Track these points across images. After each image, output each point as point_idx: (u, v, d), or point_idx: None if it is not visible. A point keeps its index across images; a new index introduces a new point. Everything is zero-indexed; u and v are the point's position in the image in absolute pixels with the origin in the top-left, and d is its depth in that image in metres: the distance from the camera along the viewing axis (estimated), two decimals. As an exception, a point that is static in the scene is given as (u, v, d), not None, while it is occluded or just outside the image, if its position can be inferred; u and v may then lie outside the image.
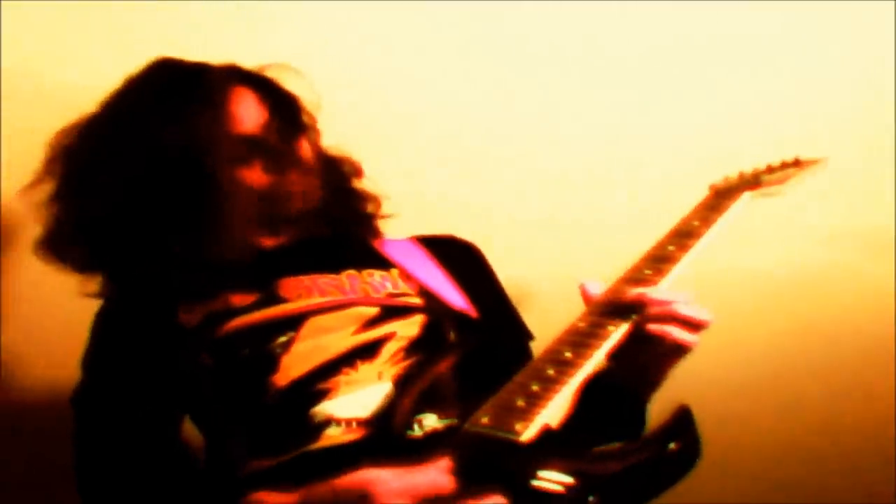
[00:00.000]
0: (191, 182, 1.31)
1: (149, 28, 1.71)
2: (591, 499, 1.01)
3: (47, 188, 1.39)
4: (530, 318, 1.49)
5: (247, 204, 1.34)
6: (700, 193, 1.46)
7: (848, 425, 2.13)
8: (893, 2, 1.94)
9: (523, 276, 1.87)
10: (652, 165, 1.96)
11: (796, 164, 1.44)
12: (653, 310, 1.18)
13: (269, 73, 1.45)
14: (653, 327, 1.17)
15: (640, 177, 1.96)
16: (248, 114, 1.38)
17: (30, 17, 1.66)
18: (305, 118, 1.46)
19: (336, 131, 1.51)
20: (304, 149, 1.42)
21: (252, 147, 1.36)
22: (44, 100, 1.66)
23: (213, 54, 1.45)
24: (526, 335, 1.44)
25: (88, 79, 1.67)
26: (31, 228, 1.43)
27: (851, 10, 1.93)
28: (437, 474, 1.00)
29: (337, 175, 1.46)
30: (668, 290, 1.21)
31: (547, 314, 1.82)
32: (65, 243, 1.38)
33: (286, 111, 1.42)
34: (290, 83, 1.45)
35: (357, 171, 1.50)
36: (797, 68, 1.97)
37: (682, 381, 1.31)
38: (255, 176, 1.37)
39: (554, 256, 1.93)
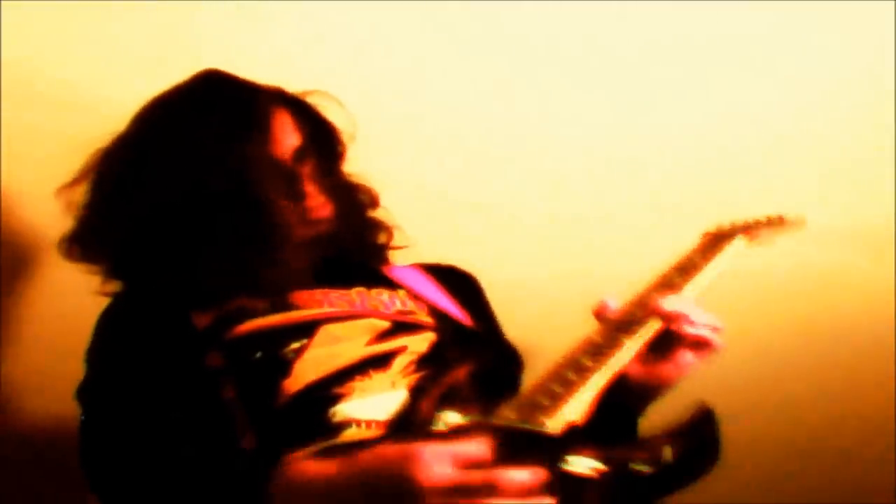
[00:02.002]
0: (241, 204, 1.32)
1: (149, 28, 1.71)
2: (670, 449, 1.06)
3: (84, 190, 1.40)
4: (531, 315, 1.49)
5: (293, 225, 1.36)
6: (701, 190, 1.47)
7: (848, 425, 2.13)
8: (893, 2, 1.94)
9: (524, 274, 1.88)
10: (652, 164, 1.96)
11: (779, 221, 1.51)
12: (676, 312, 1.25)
13: (310, 100, 1.46)
14: (688, 329, 1.25)
15: (640, 175, 1.96)
16: (285, 138, 1.39)
17: (30, 17, 1.66)
18: (339, 147, 1.48)
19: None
20: (331, 176, 1.44)
21: (281, 171, 1.37)
22: (44, 99, 1.66)
23: (213, 54, 1.45)
24: (519, 361, 1.46)
25: (89, 78, 1.68)
26: (31, 228, 1.43)
27: (851, 9, 1.93)
28: (479, 444, 1.00)
29: (353, 204, 1.47)
30: (680, 298, 1.28)
31: (547, 312, 1.83)
32: (96, 246, 1.39)
33: (320, 139, 1.43)
34: (328, 111, 1.46)
35: (373, 201, 1.52)
36: (797, 68, 1.97)
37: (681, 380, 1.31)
38: (281, 198, 1.37)
39: (555, 255, 1.93)
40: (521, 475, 0.97)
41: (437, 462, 0.98)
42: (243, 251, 1.32)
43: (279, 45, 1.76)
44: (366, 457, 1.04)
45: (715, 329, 1.27)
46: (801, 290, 2.06)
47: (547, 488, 0.99)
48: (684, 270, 1.35)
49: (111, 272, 1.40)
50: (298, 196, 1.38)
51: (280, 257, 1.33)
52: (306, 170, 1.40)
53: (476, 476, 0.97)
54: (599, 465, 1.03)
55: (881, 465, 2.12)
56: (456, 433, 1.10)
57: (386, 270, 1.50)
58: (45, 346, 1.71)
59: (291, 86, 1.48)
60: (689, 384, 1.28)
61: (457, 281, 1.53)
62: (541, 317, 1.74)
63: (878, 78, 1.98)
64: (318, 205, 1.39)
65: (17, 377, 1.73)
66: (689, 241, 1.45)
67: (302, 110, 1.44)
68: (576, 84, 1.91)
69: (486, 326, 1.48)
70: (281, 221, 1.34)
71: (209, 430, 1.23)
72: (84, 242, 1.40)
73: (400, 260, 1.55)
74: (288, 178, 1.37)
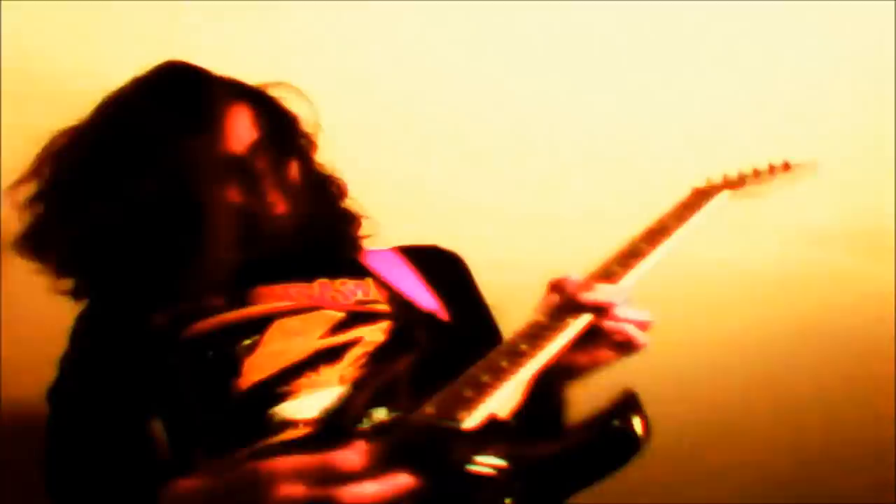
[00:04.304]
0: (175, 202, 1.30)
1: (149, 27, 1.71)
2: (515, 484, 0.99)
3: (33, 186, 1.39)
4: (526, 316, 1.49)
5: (229, 225, 1.33)
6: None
7: (847, 425, 2.13)
8: (893, 2, 1.94)
9: (518, 273, 1.88)
10: (651, 164, 1.96)
11: (785, 167, 1.43)
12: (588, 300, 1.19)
13: (272, 92, 1.44)
14: (608, 324, 1.19)
15: (638, 175, 1.96)
16: (240, 133, 1.37)
17: (30, 17, 1.66)
18: (301, 140, 1.46)
19: (336, 131, 1.52)
20: (291, 171, 1.42)
21: (234, 167, 1.35)
22: (44, 100, 1.66)
23: (214, 54, 1.45)
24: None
25: (89, 78, 1.68)
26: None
27: (851, 9, 1.93)
28: (346, 454, 0.98)
29: (322, 196, 1.46)
30: (612, 289, 1.21)
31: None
32: (43, 245, 1.38)
33: (279, 132, 1.41)
34: (292, 103, 1.45)
35: (342, 192, 1.51)
36: (797, 67, 1.97)
37: (682, 381, 1.31)
38: (234, 195, 1.36)
39: (551, 255, 1.93)
40: (368, 488, 0.95)
41: (292, 478, 0.97)
42: (172, 254, 1.30)
43: (278, 43, 1.77)
44: (233, 474, 1.03)
45: (642, 325, 1.21)
46: (802, 290, 2.06)
47: (411, 495, 0.96)
48: (654, 235, 1.29)
49: (59, 272, 1.38)
50: (253, 192, 1.35)
51: (210, 260, 1.30)
52: (263, 165, 1.37)
53: (322, 492, 0.96)
54: (501, 463, 0.99)
55: (881, 465, 2.12)
56: (375, 431, 1.10)
57: (361, 258, 1.48)
58: (45, 346, 1.71)
59: (295, 83, 1.48)
60: (688, 385, 1.28)
61: (435, 262, 1.50)
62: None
63: (878, 77, 1.98)
64: (276, 200, 1.37)
65: (17, 376, 1.73)
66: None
67: (262, 103, 1.41)
68: (573, 82, 1.91)
69: (465, 308, 1.45)
70: (219, 221, 1.31)
71: (141, 445, 1.23)
72: (33, 242, 1.38)
73: (379, 244, 1.53)
74: (241, 174, 1.35)
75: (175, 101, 1.35)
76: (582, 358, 1.23)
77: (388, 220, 1.54)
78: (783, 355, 2.08)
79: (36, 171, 1.39)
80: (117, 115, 1.37)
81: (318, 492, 0.96)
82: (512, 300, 1.53)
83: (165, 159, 1.30)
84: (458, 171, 1.89)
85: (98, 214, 1.32)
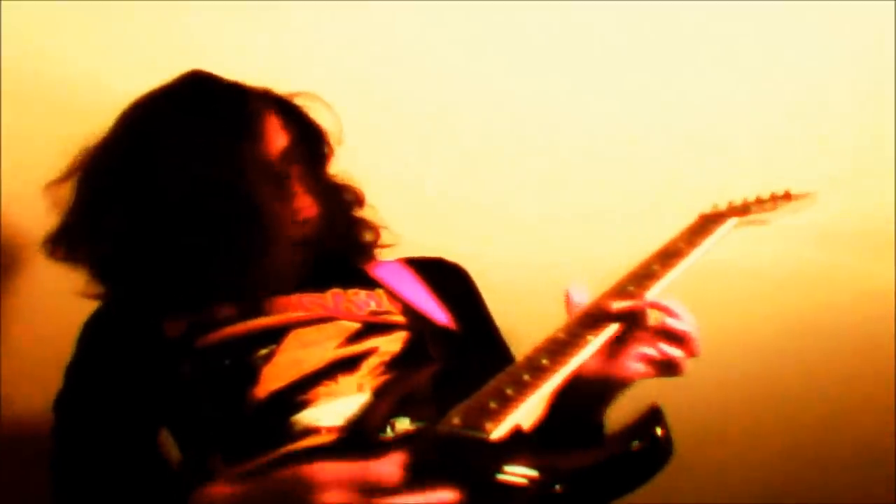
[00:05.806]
0: (234, 209, 1.31)
1: (149, 27, 1.71)
2: (556, 487, 1.01)
3: (68, 187, 1.39)
4: (527, 316, 1.49)
5: (286, 226, 1.35)
6: (699, 190, 1.47)
7: (848, 425, 2.13)
8: (893, 2, 1.93)
9: (520, 273, 1.88)
10: (651, 164, 1.96)
11: (786, 196, 1.45)
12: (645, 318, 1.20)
13: (297, 101, 1.46)
14: (666, 348, 1.20)
15: (638, 176, 1.96)
16: (274, 139, 1.39)
17: (30, 16, 1.66)
18: (324, 148, 1.47)
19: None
20: (315, 178, 1.43)
21: (271, 172, 1.37)
22: (44, 100, 1.66)
23: (215, 54, 1.45)
24: (507, 356, 1.44)
25: (89, 79, 1.68)
26: (31, 229, 1.44)
27: (851, 9, 1.93)
28: (385, 465, 0.99)
29: (338, 204, 1.47)
30: (660, 298, 1.22)
31: (545, 311, 1.83)
32: (78, 248, 1.38)
33: (306, 141, 1.43)
34: (316, 113, 1.46)
35: (359, 201, 1.51)
36: (797, 67, 1.97)
37: (682, 380, 1.30)
38: (274, 199, 1.36)
39: (552, 254, 1.93)
40: (416, 500, 0.96)
41: (335, 487, 0.98)
42: (236, 254, 1.30)
43: (279, 44, 1.77)
44: (271, 480, 1.04)
45: (683, 336, 1.20)
46: (802, 289, 2.06)
47: None
48: (666, 258, 1.29)
49: (93, 274, 1.38)
50: (287, 197, 1.37)
51: (270, 260, 1.32)
52: (294, 170, 1.39)
53: (374, 501, 0.97)
54: (532, 473, 1.01)
55: (881, 465, 2.12)
56: (401, 441, 1.10)
57: (369, 269, 1.49)
58: (45, 347, 1.71)
59: (291, 85, 1.48)
60: (687, 385, 1.28)
61: (441, 275, 1.51)
62: (537, 314, 1.74)
63: (878, 78, 1.98)
64: (306, 206, 1.39)
65: (16, 377, 1.73)
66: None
67: (289, 111, 1.43)
68: (574, 83, 1.91)
69: (471, 320, 1.46)
70: (272, 223, 1.32)
71: (151, 456, 1.24)
72: (67, 244, 1.39)
73: (386, 255, 1.54)
74: (277, 179, 1.37)
75: (216, 107, 1.36)
76: (620, 366, 1.21)
77: (387, 220, 1.54)
78: (783, 354, 2.08)
79: (75, 175, 1.39)
80: (156, 123, 1.37)
81: (364, 501, 0.97)
82: (513, 300, 1.54)
83: (213, 163, 1.31)
84: (458, 171, 1.89)
85: (145, 218, 1.32)
